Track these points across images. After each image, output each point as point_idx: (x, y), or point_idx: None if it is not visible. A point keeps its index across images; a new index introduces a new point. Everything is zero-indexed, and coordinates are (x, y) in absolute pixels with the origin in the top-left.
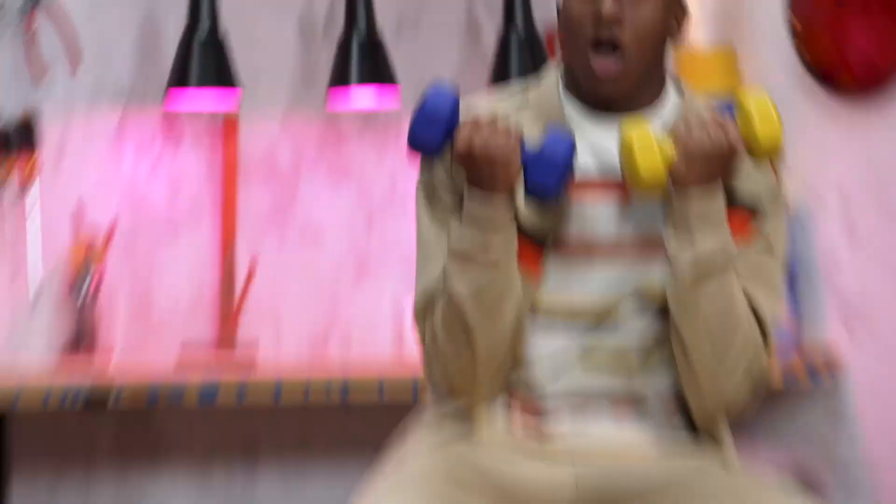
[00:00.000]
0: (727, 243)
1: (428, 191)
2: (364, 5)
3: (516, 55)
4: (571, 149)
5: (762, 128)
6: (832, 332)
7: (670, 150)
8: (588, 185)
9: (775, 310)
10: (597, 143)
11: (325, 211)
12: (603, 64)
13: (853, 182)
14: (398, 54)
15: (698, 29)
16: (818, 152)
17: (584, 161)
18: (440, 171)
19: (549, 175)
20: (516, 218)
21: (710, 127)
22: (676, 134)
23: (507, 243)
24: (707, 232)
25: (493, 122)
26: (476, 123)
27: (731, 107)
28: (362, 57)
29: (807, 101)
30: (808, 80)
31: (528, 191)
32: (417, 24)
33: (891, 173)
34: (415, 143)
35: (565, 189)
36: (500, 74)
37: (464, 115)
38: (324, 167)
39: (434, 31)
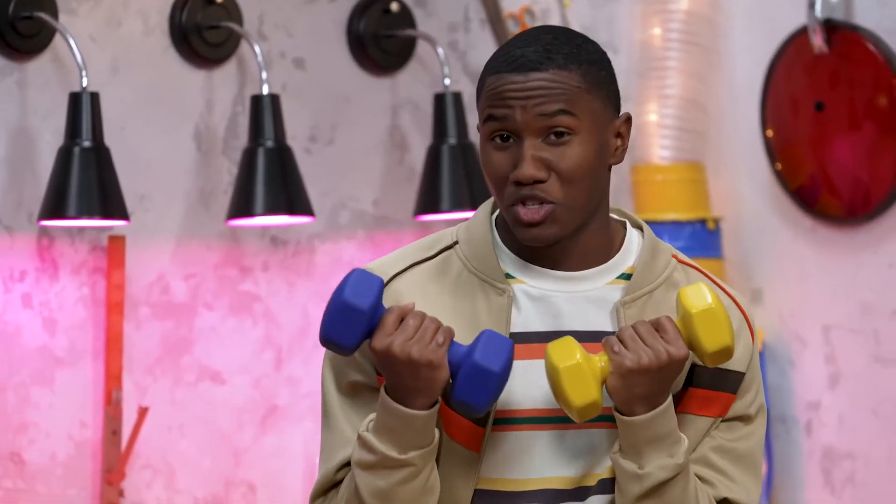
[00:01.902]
0: (679, 462)
1: (334, 363)
2: (272, 114)
3: (448, 172)
4: (509, 358)
5: (706, 331)
6: (811, 487)
7: (604, 366)
8: (532, 346)
9: (758, 492)
10: (541, 298)
11: (225, 350)
12: (531, 214)
13: (838, 317)
14: (312, 170)
15: (660, 145)
16: (798, 284)
17: (526, 318)
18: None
19: (481, 390)
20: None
21: (646, 338)
22: (609, 352)
23: (424, 456)
24: (657, 458)
25: (420, 318)
26: (399, 318)
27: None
28: (269, 173)
29: (785, 226)
30: (787, 203)
31: (453, 399)
32: (333, 136)
33: (880, 307)
34: (330, 339)
35: (496, 399)
36: (430, 193)
37: (385, 297)
38: (224, 299)
39: (353, 144)
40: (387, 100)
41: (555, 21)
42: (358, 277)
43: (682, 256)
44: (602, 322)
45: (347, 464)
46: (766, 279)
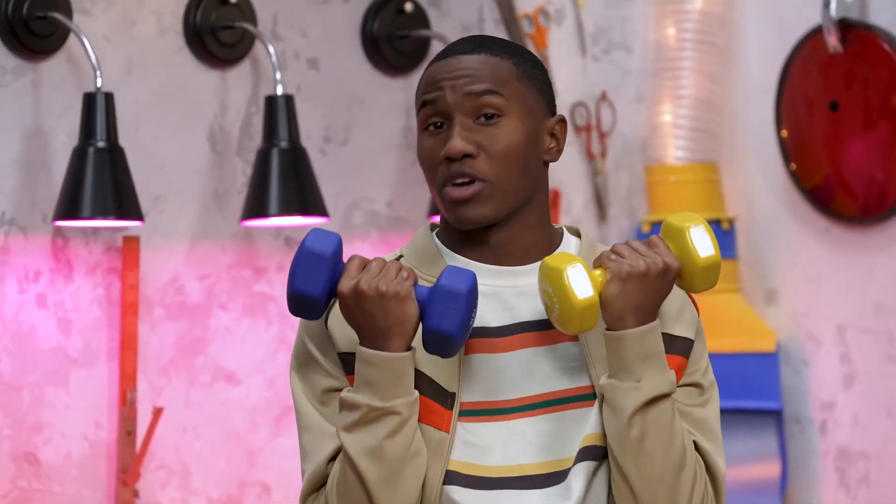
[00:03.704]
0: (672, 379)
1: (302, 363)
2: (286, 115)
3: None
4: (474, 283)
5: (698, 244)
6: (826, 486)
7: (600, 279)
8: (488, 340)
9: (723, 463)
10: (491, 294)
11: (239, 350)
12: (460, 191)
13: (852, 317)
14: (326, 171)
15: (675, 146)
16: (813, 284)
17: (480, 315)
18: (311, 352)
19: (452, 314)
20: (418, 376)
21: (641, 249)
22: (606, 262)
23: (408, 405)
24: (652, 374)
25: (381, 261)
26: (362, 263)
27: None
28: (283, 174)
29: (800, 226)
30: (801, 203)
31: (427, 336)
32: (347, 137)
33: (895, 307)
34: (297, 290)
35: (468, 332)
36: None
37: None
38: (238, 300)
39: (367, 145)
40: (401, 100)
41: (569, 21)
42: (317, 232)
43: None
44: None
45: (334, 457)
46: (781, 279)
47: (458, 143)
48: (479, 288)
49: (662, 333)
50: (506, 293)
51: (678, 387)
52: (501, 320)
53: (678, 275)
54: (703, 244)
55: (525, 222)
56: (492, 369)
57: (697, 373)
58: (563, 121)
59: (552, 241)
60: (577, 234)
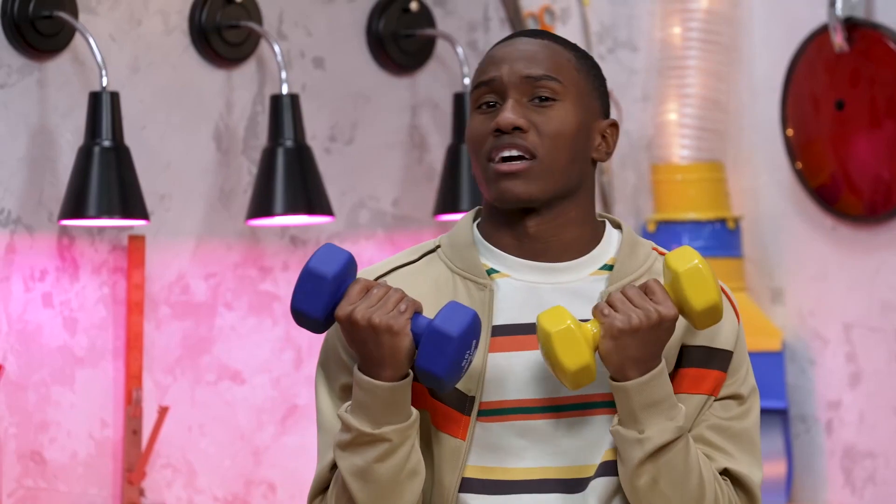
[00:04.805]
0: (680, 423)
1: (327, 356)
2: (291, 114)
3: (467, 171)
4: (470, 324)
5: (693, 289)
6: (832, 486)
7: (595, 331)
8: (519, 337)
9: (760, 473)
10: (526, 290)
11: (245, 349)
12: (508, 165)
13: (858, 316)
14: (332, 170)
15: (680, 144)
16: (819, 283)
17: (512, 311)
18: (337, 349)
19: (440, 356)
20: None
21: (636, 299)
22: (598, 316)
23: (400, 432)
24: (657, 422)
25: (385, 289)
26: (364, 288)
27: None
28: (289, 173)
29: (806, 225)
30: (807, 202)
31: (417, 371)
32: (353, 136)
33: None
34: (297, 308)
35: (462, 372)
36: (449, 192)
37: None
38: (244, 299)
39: (372, 144)
40: (406, 99)
41: (575, 20)
42: (326, 249)
43: (661, 249)
44: (587, 312)
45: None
46: (787, 278)
47: (509, 116)
48: (515, 283)
49: (701, 347)
50: (541, 289)
51: (716, 401)
52: (533, 317)
53: (677, 319)
54: (699, 289)
55: (566, 216)
56: (521, 367)
57: (737, 383)
58: (615, 125)
59: (595, 236)
60: (619, 226)
